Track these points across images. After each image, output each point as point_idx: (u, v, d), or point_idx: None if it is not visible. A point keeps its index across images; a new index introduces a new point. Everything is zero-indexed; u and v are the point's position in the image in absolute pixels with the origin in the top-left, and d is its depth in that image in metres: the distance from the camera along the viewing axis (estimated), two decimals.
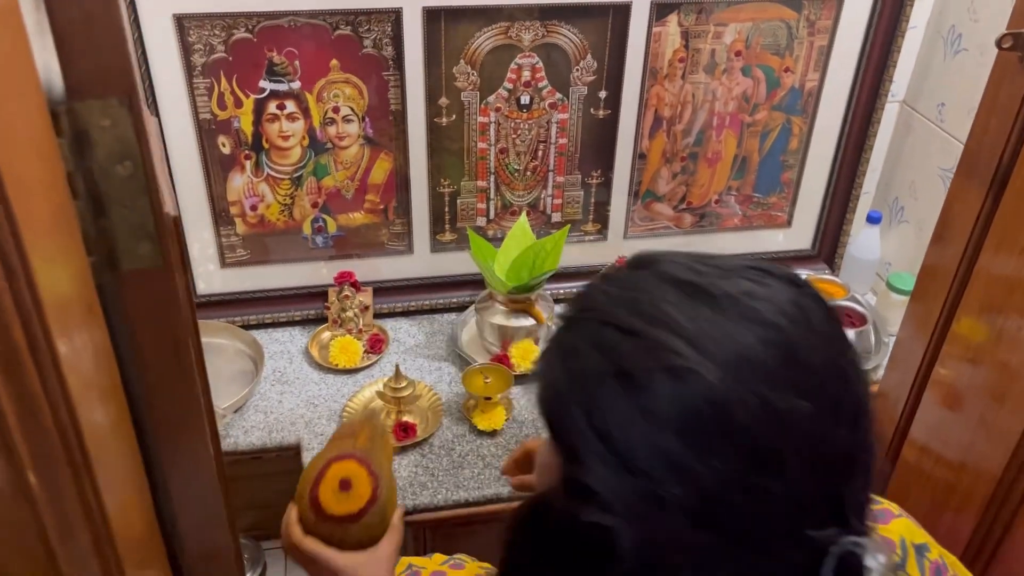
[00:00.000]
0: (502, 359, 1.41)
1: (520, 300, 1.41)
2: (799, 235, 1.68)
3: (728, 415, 0.45)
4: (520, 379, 1.39)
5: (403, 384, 1.29)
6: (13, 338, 0.34)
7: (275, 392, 1.39)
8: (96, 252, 0.44)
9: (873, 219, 1.61)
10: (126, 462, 0.47)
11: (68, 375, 0.37)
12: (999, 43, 0.92)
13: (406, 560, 0.90)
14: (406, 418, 1.31)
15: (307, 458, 1.27)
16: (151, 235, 0.46)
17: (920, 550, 0.64)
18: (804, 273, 1.59)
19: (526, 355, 1.42)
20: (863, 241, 1.63)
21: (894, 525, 0.64)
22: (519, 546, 0.59)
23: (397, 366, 1.30)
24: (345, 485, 0.84)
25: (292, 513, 0.86)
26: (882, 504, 0.67)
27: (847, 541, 0.47)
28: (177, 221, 0.48)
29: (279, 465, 1.35)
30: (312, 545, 0.82)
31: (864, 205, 1.67)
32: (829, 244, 1.68)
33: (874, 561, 0.47)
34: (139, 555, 0.48)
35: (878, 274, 1.69)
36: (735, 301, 0.48)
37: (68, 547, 0.40)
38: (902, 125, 1.61)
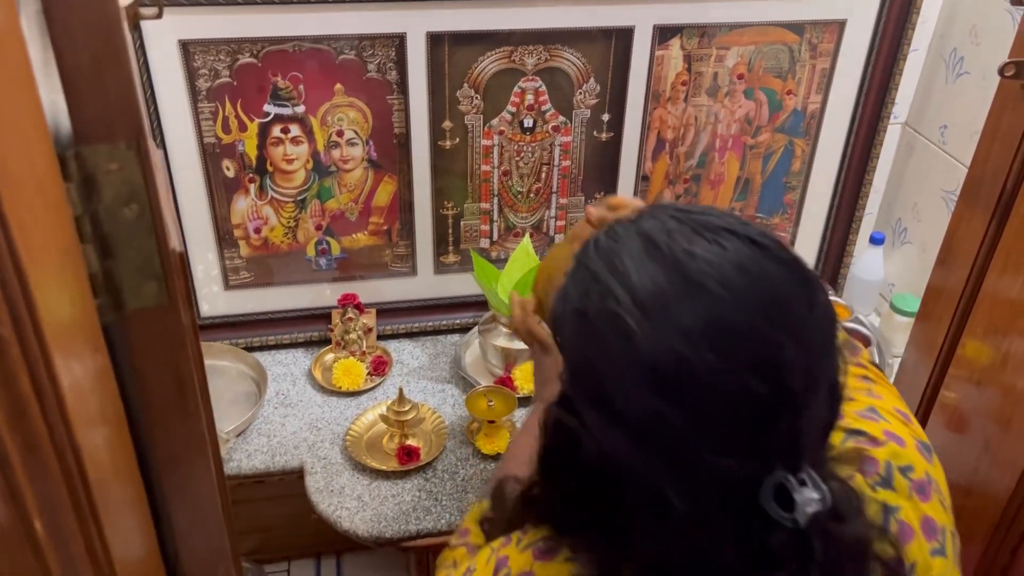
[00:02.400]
0: (505, 381, 1.41)
1: None
2: (802, 256, 1.67)
3: (636, 348, 0.52)
4: (524, 402, 1.39)
5: (407, 407, 1.28)
6: (19, 387, 0.34)
7: (278, 415, 1.39)
8: (102, 294, 0.44)
9: (876, 240, 1.61)
10: (131, 504, 0.47)
11: (74, 421, 0.37)
12: (1001, 71, 0.92)
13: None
14: (409, 441, 1.31)
15: (310, 482, 1.27)
16: (157, 275, 0.46)
17: (904, 471, 0.68)
18: None
19: (529, 378, 1.41)
20: (866, 262, 1.63)
21: (879, 452, 0.68)
22: (544, 445, 0.66)
23: (400, 389, 1.30)
24: None
25: (528, 303, 0.96)
26: (871, 434, 0.71)
27: (779, 475, 0.51)
28: (182, 256, 0.49)
29: (282, 488, 1.35)
30: (549, 336, 0.92)
31: (867, 226, 1.67)
32: (832, 265, 1.68)
33: (800, 496, 0.51)
34: None
35: (881, 295, 1.69)
36: (678, 262, 0.53)
37: None
38: (904, 147, 1.61)
